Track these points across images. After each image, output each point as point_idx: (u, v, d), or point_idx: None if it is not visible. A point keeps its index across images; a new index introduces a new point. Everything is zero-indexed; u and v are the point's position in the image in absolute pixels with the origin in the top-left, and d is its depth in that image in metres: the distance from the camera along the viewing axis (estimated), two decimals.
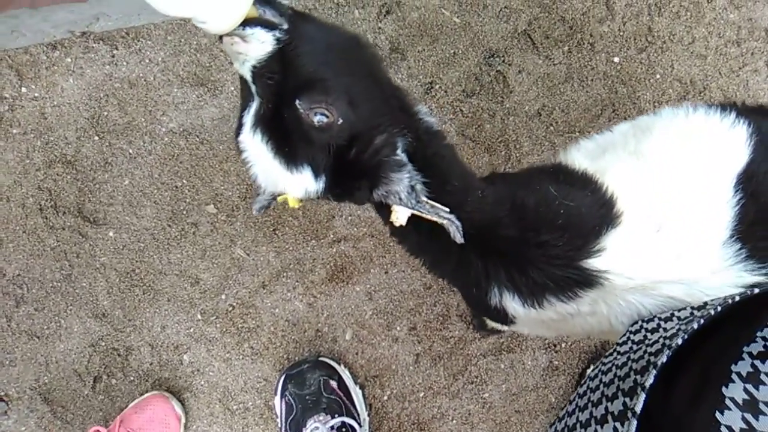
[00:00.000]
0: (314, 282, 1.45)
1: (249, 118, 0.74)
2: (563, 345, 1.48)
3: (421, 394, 1.46)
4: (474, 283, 0.86)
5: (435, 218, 0.77)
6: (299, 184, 0.76)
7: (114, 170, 1.42)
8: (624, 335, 0.75)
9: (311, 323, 1.45)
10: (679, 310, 0.71)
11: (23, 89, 1.40)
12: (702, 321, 0.58)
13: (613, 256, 0.79)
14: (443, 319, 1.47)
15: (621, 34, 1.52)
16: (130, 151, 1.43)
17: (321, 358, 1.40)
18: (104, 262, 1.42)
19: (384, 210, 0.82)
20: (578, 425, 0.64)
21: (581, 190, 0.85)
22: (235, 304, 1.44)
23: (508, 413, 1.47)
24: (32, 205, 1.40)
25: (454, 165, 0.84)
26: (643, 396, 0.54)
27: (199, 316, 1.44)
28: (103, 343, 1.42)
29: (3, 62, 1.39)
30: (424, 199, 0.76)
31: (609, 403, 0.61)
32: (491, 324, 1.36)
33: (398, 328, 1.46)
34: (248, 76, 0.73)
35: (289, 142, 0.74)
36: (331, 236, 1.46)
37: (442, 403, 1.46)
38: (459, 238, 0.77)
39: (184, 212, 1.44)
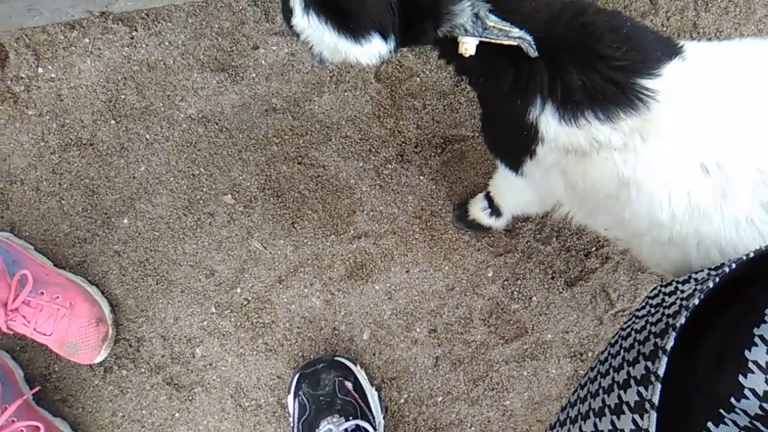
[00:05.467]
0: (332, 279, 1.40)
1: (297, 1, 0.73)
2: (590, 354, 1.42)
3: (440, 399, 1.41)
4: (519, 95, 0.81)
5: (505, 41, 0.74)
6: (371, 52, 0.76)
7: (130, 156, 1.38)
8: (642, 301, 0.75)
9: (328, 321, 1.40)
10: (696, 272, 0.69)
11: (40, 69, 1.36)
12: (717, 279, 0.58)
13: (667, 86, 0.75)
14: (465, 322, 1.41)
15: (664, 29, 1.44)
16: (147, 136, 1.38)
17: (337, 358, 1.35)
18: (118, 249, 1.38)
19: (448, 46, 0.80)
20: (600, 390, 0.63)
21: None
22: (250, 298, 1.39)
23: (530, 422, 1.41)
24: (46, 188, 1.36)
25: None
26: (665, 359, 0.53)
27: (213, 309, 1.39)
28: (115, 333, 1.38)
29: (20, 41, 1.35)
30: (491, 23, 0.74)
31: (631, 368, 0.60)
32: (474, 215, 1.33)
33: (418, 330, 1.41)
34: None
35: (350, 15, 0.73)
36: (352, 232, 1.40)
37: (460, 409, 1.41)
38: (533, 53, 0.75)
39: (201, 201, 1.39)
